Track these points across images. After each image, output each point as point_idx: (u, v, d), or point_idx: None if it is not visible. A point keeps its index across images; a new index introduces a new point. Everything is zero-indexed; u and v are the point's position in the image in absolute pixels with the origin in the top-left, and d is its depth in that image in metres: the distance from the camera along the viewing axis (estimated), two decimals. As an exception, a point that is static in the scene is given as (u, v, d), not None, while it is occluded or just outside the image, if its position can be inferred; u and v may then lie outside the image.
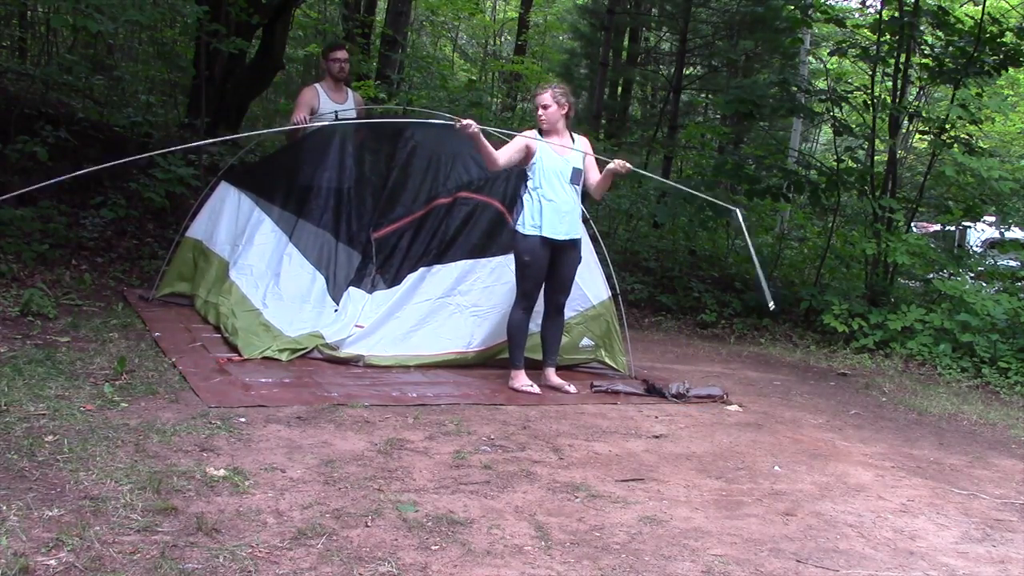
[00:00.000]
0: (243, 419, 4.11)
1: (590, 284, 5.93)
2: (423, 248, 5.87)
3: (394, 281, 5.76)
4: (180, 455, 3.56)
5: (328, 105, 6.51)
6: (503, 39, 22.81)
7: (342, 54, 6.65)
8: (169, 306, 6.25)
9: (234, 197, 6.37)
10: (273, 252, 6.05)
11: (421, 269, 5.78)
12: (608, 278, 6.05)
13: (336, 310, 5.68)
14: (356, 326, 5.51)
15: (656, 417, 5.06)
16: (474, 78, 17.32)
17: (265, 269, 5.97)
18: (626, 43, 17.73)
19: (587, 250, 5.99)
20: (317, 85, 6.64)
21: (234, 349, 5.29)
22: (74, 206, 7.81)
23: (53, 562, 2.60)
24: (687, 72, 16.07)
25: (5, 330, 5.17)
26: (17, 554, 2.61)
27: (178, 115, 10.22)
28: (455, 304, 5.74)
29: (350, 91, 6.83)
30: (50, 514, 2.90)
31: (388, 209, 6.03)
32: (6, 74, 9.51)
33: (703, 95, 17.58)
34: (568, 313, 5.82)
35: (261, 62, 10.08)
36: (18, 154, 7.39)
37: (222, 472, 3.41)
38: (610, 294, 5.99)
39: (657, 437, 4.64)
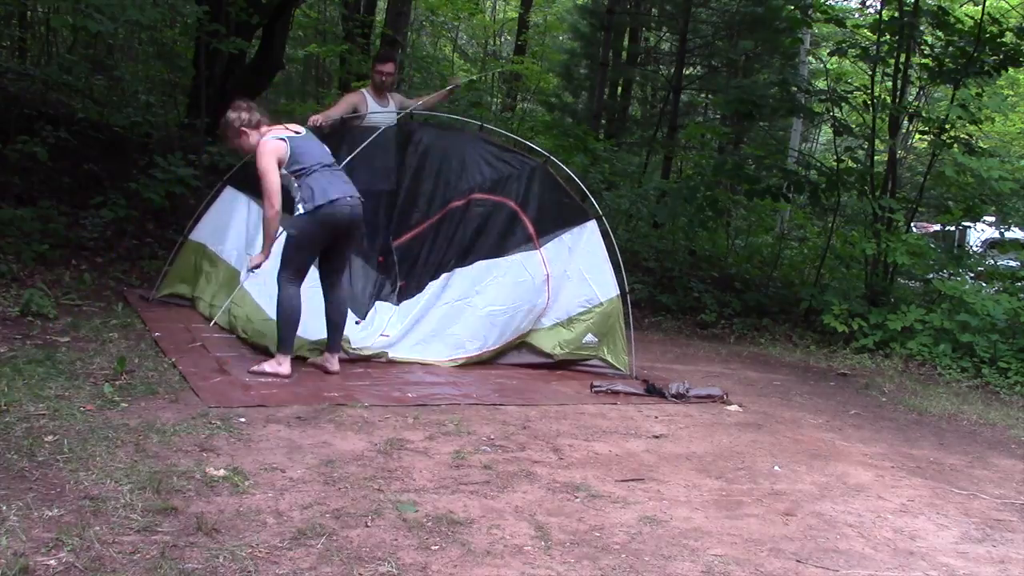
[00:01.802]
0: (243, 419, 4.11)
1: (599, 281, 5.97)
2: (442, 254, 5.99)
3: (418, 289, 5.90)
4: (180, 455, 3.56)
5: (374, 107, 6.56)
6: (503, 39, 22.80)
7: (388, 67, 6.66)
8: (169, 306, 6.24)
9: (243, 204, 6.26)
10: None
11: (444, 275, 5.90)
12: (618, 276, 6.08)
13: (357, 322, 5.76)
14: (382, 335, 5.64)
15: (656, 417, 5.06)
16: (474, 78, 17.30)
17: None
18: (626, 43, 17.72)
19: (598, 246, 6.04)
20: (364, 91, 6.71)
21: (260, 350, 5.27)
22: (74, 206, 7.80)
23: (53, 562, 2.60)
24: (687, 72, 16.07)
25: (5, 330, 5.16)
26: (17, 554, 2.61)
27: (178, 115, 10.21)
28: (472, 305, 5.82)
29: (392, 95, 6.82)
30: (50, 514, 2.90)
31: (406, 215, 6.16)
32: (6, 74, 9.51)
33: (703, 95, 17.59)
34: (576, 309, 5.93)
35: (261, 62, 10.08)
36: (18, 154, 7.38)
37: (222, 472, 3.41)
38: (619, 292, 6.02)
39: (657, 437, 4.64)
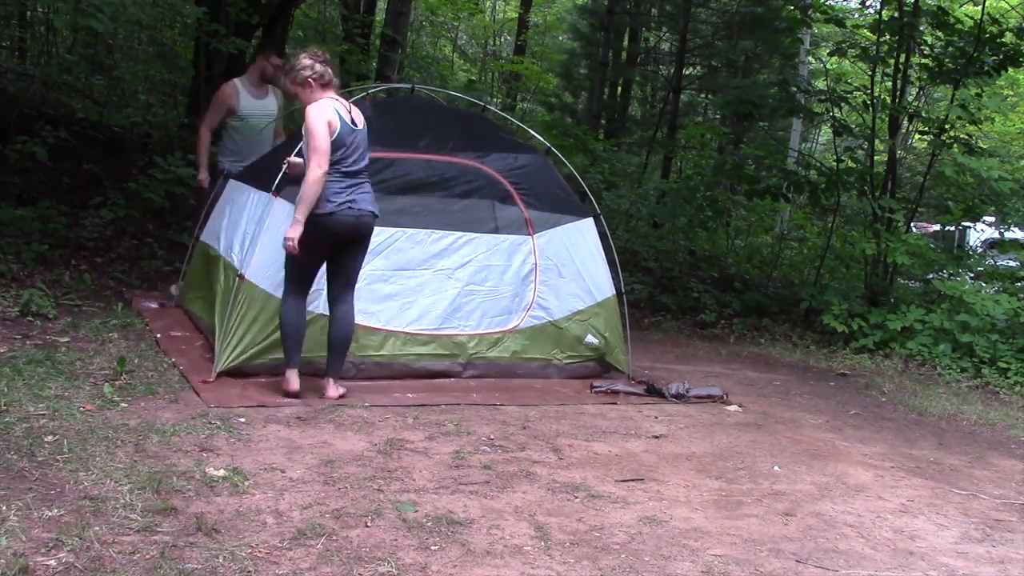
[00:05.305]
0: (243, 419, 4.11)
1: (596, 280, 5.88)
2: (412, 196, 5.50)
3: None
4: (180, 455, 3.57)
5: (248, 100, 6.36)
6: (503, 39, 22.81)
7: (278, 60, 6.48)
8: (168, 307, 6.23)
9: (246, 195, 5.84)
10: None
11: (412, 230, 5.43)
12: (614, 278, 5.99)
13: None
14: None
15: (656, 417, 5.06)
16: (474, 78, 17.31)
17: None
18: (626, 43, 17.73)
19: (595, 244, 5.94)
20: (237, 81, 6.47)
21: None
22: (74, 206, 7.80)
23: (53, 562, 2.60)
24: (687, 72, 16.08)
25: (5, 330, 5.16)
26: (17, 554, 2.61)
27: (178, 115, 10.21)
28: (453, 277, 5.49)
29: (273, 89, 6.56)
30: (50, 514, 2.90)
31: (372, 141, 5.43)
32: (6, 74, 9.52)
33: (703, 95, 17.60)
34: (573, 307, 5.76)
35: (261, 62, 10.06)
36: (18, 154, 7.38)
37: (222, 472, 3.41)
38: (614, 292, 5.95)
39: (657, 437, 4.64)
